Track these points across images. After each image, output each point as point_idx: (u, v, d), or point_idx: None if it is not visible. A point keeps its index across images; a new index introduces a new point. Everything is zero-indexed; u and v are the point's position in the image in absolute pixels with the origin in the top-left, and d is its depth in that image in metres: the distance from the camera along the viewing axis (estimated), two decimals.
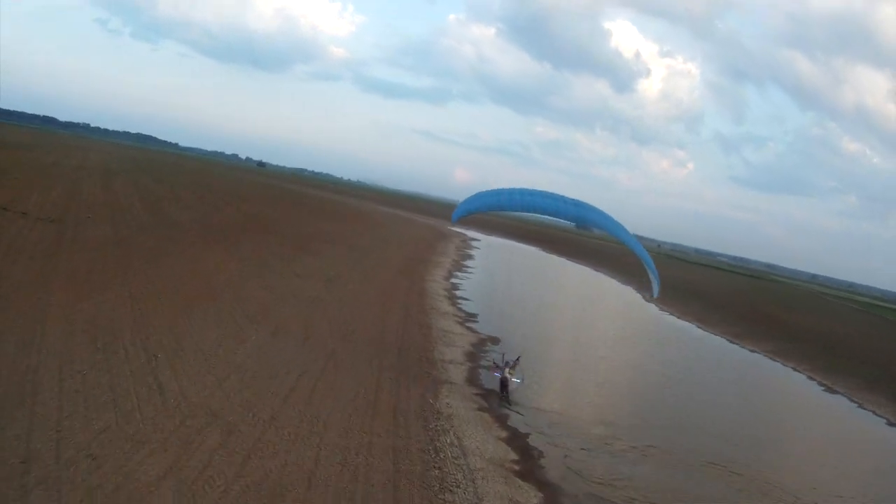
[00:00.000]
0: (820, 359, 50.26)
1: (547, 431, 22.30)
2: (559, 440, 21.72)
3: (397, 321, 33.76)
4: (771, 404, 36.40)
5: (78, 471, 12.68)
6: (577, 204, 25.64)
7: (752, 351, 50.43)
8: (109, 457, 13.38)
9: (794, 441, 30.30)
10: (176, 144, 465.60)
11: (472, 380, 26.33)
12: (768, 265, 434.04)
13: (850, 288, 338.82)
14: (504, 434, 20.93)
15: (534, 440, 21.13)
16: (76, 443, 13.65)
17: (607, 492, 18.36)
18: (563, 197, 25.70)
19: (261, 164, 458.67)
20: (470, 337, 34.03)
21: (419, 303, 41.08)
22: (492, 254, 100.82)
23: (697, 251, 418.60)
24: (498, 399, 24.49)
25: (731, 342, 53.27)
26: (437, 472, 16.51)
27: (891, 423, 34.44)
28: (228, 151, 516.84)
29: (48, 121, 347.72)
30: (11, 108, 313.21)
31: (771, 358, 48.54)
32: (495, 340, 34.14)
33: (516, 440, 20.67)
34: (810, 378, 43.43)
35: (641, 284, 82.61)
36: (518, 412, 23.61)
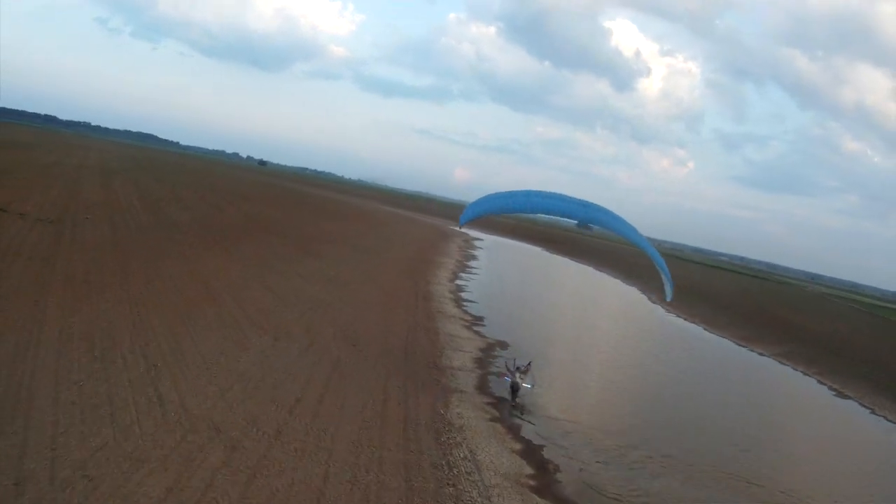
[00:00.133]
0: (828, 362, 49.53)
1: (561, 442, 21.55)
2: (574, 451, 20.97)
3: (403, 325, 32.99)
4: (785, 411, 35.70)
5: (74, 493, 11.91)
6: (586, 205, 25.11)
7: (760, 354, 49.68)
8: (107, 477, 12.60)
9: (812, 450, 29.53)
10: (177, 143, 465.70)
11: (483, 387, 25.55)
12: (769, 265, 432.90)
13: (853, 288, 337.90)
14: (518, 446, 20.15)
15: (549, 452, 20.36)
16: (72, 461, 12.88)
17: None
18: (571, 198, 25.20)
19: (262, 162, 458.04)
20: (478, 342, 33.24)
21: (424, 306, 40.30)
22: (495, 254, 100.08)
23: (696, 250, 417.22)
24: (509, 407, 23.80)
25: (739, 345, 52.52)
26: (451, 489, 15.72)
27: None
28: (229, 150, 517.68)
29: (49, 120, 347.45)
30: (12, 107, 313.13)
31: (780, 362, 47.77)
32: (504, 345, 33.38)
33: (531, 453, 19.89)
34: (820, 382, 42.71)
35: (646, 285, 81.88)
36: (531, 422, 22.88)
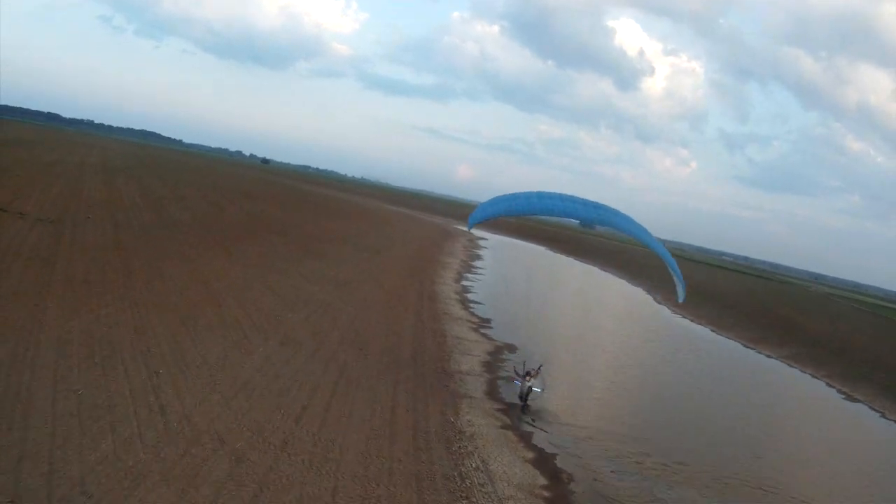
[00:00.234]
0: (836, 364, 48.91)
1: (574, 450, 21.01)
2: (587, 460, 20.44)
3: (409, 328, 32.40)
4: (797, 415, 35.16)
5: None
6: (596, 206, 24.60)
7: (768, 357, 49.03)
8: (107, 494, 12.03)
9: (825, 456, 28.92)
10: (180, 141, 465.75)
11: (492, 393, 24.96)
12: (772, 264, 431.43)
13: (855, 288, 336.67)
14: (530, 455, 19.56)
15: (562, 461, 19.79)
16: (70, 477, 12.30)
17: None
18: (583, 200, 24.67)
19: (265, 160, 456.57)
20: (486, 345, 32.64)
21: (430, 307, 39.71)
22: (500, 254, 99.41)
23: (700, 250, 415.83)
24: (519, 412, 23.24)
25: (746, 347, 51.89)
26: (465, 502, 15.14)
27: None
28: (232, 148, 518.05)
29: (52, 118, 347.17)
30: (15, 105, 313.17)
31: (789, 364, 47.15)
32: (512, 348, 32.78)
33: (544, 462, 19.31)
34: (829, 385, 42.13)
35: (652, 285, 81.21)
36: (542, 428, 22.32)
